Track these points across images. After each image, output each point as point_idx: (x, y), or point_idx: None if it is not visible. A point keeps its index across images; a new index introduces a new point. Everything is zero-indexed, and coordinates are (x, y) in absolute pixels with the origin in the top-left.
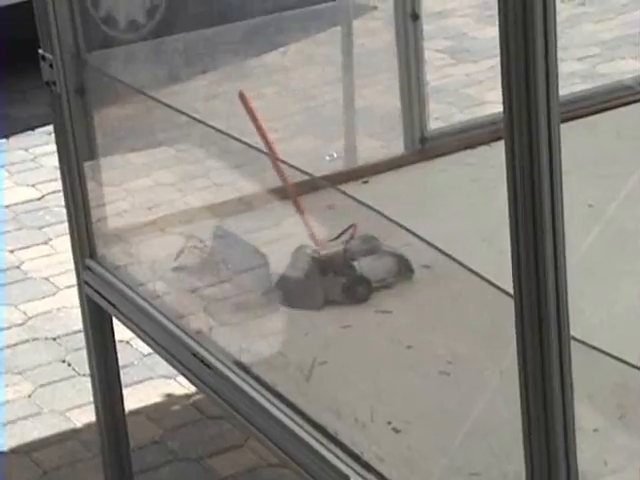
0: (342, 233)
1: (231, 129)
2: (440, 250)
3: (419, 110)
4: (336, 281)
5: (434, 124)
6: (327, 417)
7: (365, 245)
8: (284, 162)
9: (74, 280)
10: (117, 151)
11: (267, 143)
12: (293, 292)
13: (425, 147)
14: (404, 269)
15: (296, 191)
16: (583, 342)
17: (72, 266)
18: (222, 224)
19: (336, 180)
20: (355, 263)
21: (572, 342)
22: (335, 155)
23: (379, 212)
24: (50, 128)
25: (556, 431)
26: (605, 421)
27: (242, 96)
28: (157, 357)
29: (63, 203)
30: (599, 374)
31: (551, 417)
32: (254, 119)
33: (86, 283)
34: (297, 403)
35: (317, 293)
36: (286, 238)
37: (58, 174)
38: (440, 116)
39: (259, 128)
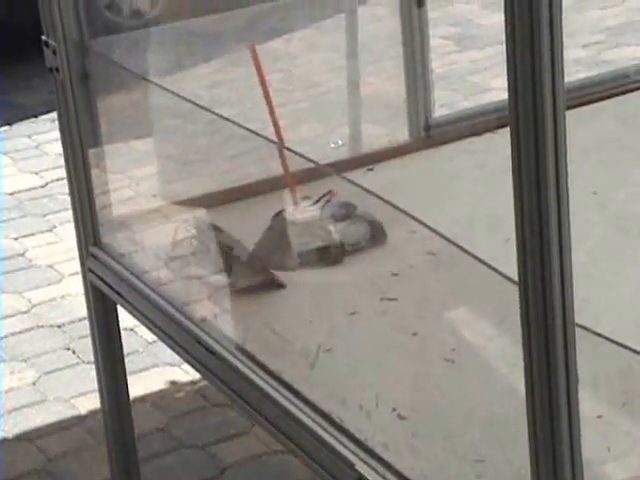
0: (321, 198)
1: (235, 117)
2: (445, 237)
3: (424, 97)
4: (310, 244)
5: (439, 111)
6: (332, 404)
7: (341, 210)
8: (288, 149)
9: (78, 268)
10: (121, 138)
11: (268, 98)
12: (270, 254)
13: (430, 134)
14: (378, 234)
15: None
16: (588, 329)
17: (76, 253)
18: (224, 212)
19: (341, 167)
20: (330, 227)
21: (577, 329)
22: (340, 142)
23: (384, 199)
24: (54, 115)
25: (560, 418)
26: (609, 407)
27: (252, 50)
28: (162, 345)
29: (67, 191)
30: (603, 361)
31: (556, 404)
32: (260, 74)
33: (90, 271)
34: (302, 390)
35: (290, 255)
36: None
37: (62, 161)
38: (445, 103)
39: (263, 83)
